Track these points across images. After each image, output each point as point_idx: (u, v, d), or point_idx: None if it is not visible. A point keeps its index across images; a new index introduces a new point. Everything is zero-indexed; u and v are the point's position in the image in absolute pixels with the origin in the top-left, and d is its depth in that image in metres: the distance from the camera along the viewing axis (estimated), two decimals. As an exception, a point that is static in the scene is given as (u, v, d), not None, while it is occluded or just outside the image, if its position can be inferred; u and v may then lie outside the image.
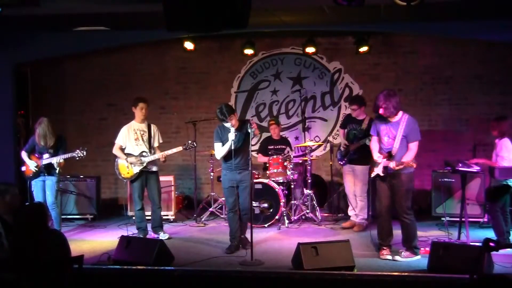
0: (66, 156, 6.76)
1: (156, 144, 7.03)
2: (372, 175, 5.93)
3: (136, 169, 6.84)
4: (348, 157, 7.29)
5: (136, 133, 6.94)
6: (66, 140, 7.05)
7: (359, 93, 9.11)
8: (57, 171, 6.81)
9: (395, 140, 5.73)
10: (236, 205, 6.27)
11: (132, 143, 6.90)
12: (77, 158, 6.80)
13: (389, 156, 5.71)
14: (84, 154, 6.77)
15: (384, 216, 5.89)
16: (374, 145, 5.98)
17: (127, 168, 6.88)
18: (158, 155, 6.84)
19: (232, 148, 6.03)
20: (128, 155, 6.87)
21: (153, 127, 7.05)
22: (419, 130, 5.79)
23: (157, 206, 6.98)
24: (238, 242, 6.27)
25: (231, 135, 6.01)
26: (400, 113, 5.78)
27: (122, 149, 6.94)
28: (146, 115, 6.98)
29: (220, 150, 6.23)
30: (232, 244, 6.23)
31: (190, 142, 7.03)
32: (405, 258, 5.68)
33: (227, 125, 6.06)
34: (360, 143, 7.11)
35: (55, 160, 6.74)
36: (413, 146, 5.71)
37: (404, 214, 5.73)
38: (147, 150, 6.88)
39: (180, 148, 6.97)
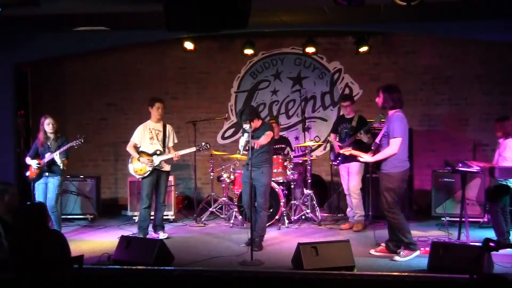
0: (65, 147, 6.76)
1: (170, 144, 7.10)
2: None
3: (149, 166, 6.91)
4: (343, 156, 7.27)
5: (151, 132, 7.02)
6: (67, 139, 7.05)
7: (359, 93, 9.13)
8: (61, 167, 6.80)
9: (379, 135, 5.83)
10: (248, 202, 6.29)
11: (147, 142, 6.98)
12: (76, 147, 6.81)
13: (374, 151, 5.81)
14: (82, 141, 6.80)
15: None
16: None
17: (140, 165, 6.93)
18: (172, 154, 6.91)
19: (241, 151, 6.38)
20: (142, 153, 6.95)
21: (168, 127, 7.14)
22: (401, 127, 5.60)
23: (161, 204, 7.03)
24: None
25: (241, 141, 6.32)
26: (394, 110, 5.74)
27: (137, 148, 7.01)
28: (162, 114, 7.07)
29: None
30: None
31: (204, 143, 7.17)
32: (404, 258, 5.65)
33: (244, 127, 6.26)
34: (351, 139, 7.11)
35: (55, 154, 6.73)
36: (392, 143, 5.60)
37: (385, 212, 5.72)
38: (161, 149, 6.95)
39: (193, 149, 7.10)
